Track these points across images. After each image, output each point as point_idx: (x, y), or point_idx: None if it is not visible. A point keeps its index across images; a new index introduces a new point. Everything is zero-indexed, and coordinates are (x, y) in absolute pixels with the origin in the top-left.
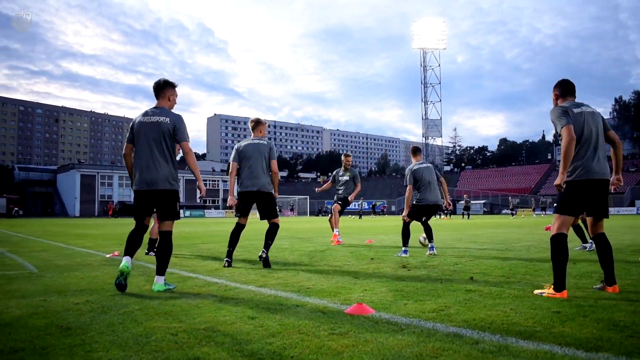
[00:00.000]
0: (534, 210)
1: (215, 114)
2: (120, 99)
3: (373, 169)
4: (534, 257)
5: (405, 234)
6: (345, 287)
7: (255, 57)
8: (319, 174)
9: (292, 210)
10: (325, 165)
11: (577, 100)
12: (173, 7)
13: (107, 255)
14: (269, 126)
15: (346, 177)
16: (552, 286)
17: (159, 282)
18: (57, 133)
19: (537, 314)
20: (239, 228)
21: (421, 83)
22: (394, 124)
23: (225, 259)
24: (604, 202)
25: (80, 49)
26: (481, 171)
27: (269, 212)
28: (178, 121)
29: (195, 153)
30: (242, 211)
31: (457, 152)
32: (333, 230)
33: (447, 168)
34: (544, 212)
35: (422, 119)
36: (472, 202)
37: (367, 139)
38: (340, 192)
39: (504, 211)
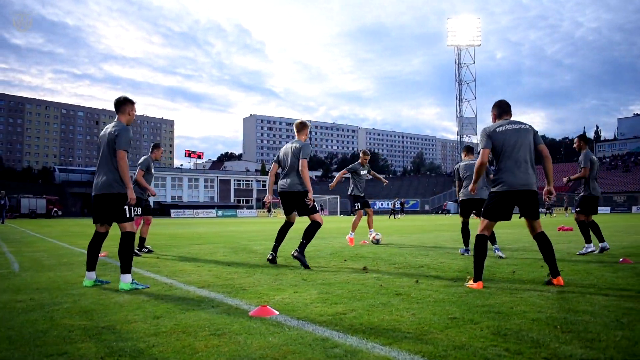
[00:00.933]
0: (566, 209)
1: (251, 114)
2: (161, 100)
3: (408, 167)
4: (510, 258)
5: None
6: (281, 289)
7: (291, 57)
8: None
9: (322, 209)
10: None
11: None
12: (211, 9)
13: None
14: None
15: (366, 172)
16: (473, 278)
17: (124, 281)
18: (98, 135)
19: (432, 319)
20: (286, 225)
21: (455, 80)
22: (432, 123)
23: (270, 252)
24: (530, 207)
25: (122, 52)
26: None
27: (303, 210)
28: (121, 131)
29: (231, 153)
30: (285, 210)
31: None
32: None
33: None
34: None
35: (457, 117)
36: None
37: (402, 137)
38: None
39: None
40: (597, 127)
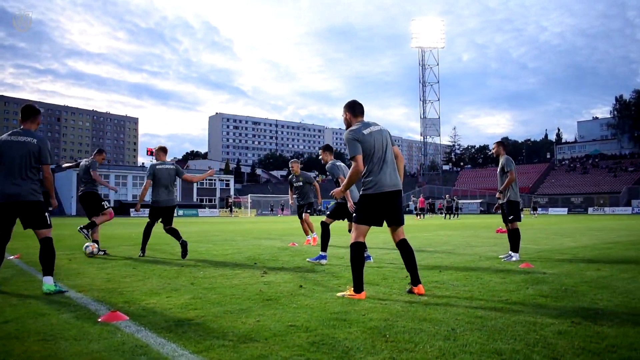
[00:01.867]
0: (531, 210)
1: (216, 113)
2: (126, 97)
3: None
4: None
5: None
6: (157, 293)
7: (260, 55)
8: (317, 173)
9: (282, 209)
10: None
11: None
12: (179, 5)
13: (10, 257)
14: (270, 125)
15: (300, 183)
16: (352, 288)
17: (47, 282)
18: (60, 132)
19: (271, 326)
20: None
21: (419, 82)
22: (399, 123)
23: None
24: (397, 212)
25: (86, 48)
26: (480, 170)
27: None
28: (43, 144)
29: (197, 152)
30: None
31: (457, 151)
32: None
33: (446, 167)
34: (535, 213)
35: (420, 117)
36: (466, 202)
37: None
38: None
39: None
40: (559, 130)
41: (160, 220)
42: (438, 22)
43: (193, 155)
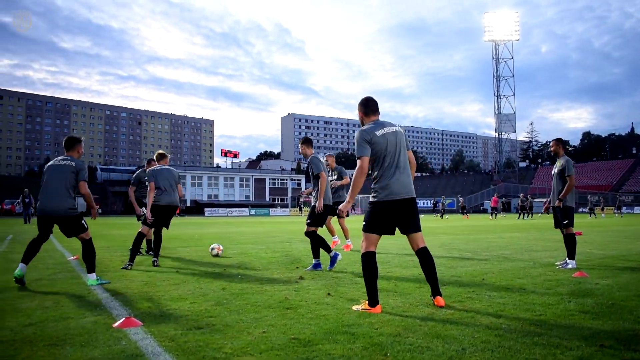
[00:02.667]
0: (615, 209)
1: (288, 113)
2: (203, 100)
3: (446, 165)
4: (494, 270)
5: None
6: (184, 299)
7: (331, 55)
8: None
9: (353, 208)
10: None
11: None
12: (251, 9)
13: (70, 258)
14: (341, 124)
15: (334, 177)
16: (367, 302)
17: (91, 278)
18: (140, 135)
19: (276, 338)
20: None
21: (493, 77)
22: (475, 119)
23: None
24: (412, 219)
25: (165, 54)
26: None
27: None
28: (81, 165)
29: (270, 152)
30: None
31: (535, 147)
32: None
33: (523, 164)
34: (620, 212)
35: (495, 113)
36: (542, 200)
37: (442, 135)
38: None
39: (581, 210)
40: None
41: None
42: (512, 14)
43: (266, 155)
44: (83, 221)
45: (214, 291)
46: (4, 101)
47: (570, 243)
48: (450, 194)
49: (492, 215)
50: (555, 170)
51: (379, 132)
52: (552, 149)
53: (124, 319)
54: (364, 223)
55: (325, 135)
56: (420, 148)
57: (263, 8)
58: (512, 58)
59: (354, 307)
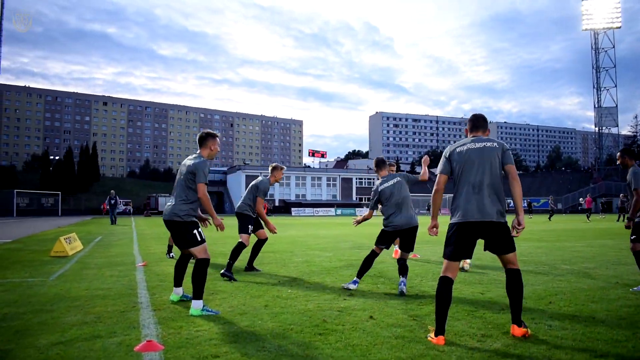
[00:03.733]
0: None
1: (376, 112)
2: (293, 100)
3: (541, 163)
4: (567, 290)
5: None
6: (221, 317)
7: (421, 51)
8: None
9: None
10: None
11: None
12: (340, 8)
13: (139, 264)
14: (430, 122)
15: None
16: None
17: (194, 307)
18: (232, 136)
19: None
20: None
21: (592, 68)
22: (573, 113)
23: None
24: (498, 241)
25: (256, 57)
26: None
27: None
28: (198, 165)
29: (358, 151)
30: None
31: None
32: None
33: None
34: None
35: (595, 107)
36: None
37: (538, 130)
38: None
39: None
40: None
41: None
42: (612, 1)
43: (354, 154)
44: (196, 231)
45: (255, 309)
46: (109, 107)
47: None
48: (545, 192)
49: (588, 217)
50: (627, 182)
51: (459, 148)
52: (619, 161)
53: (145, 341)
54: (445, 247)
55: (414, 133)
56: (514, 145)
57: (351, 7)
58: (614, 47)
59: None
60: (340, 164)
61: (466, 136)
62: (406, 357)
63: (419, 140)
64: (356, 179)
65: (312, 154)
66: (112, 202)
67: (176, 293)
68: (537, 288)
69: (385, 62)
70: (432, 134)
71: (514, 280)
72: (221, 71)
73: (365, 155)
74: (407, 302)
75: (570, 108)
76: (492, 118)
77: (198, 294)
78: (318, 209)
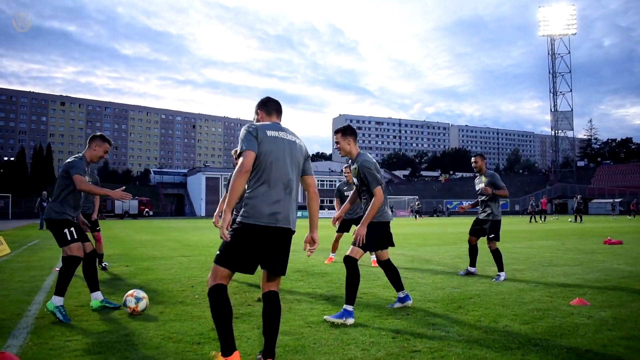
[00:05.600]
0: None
1: (340, 114)
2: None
3: (501, 165)
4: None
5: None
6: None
7: (385, 54)
8: (440, 172)
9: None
10: (449, 162)
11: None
12: (305, 10)
13: (55, 269)
14: (393, 124)
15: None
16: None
17: (53, 302)
18: (195, 138)
19: None
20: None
21: (549, 73)
22: (533, 117)
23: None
24: (277, 251)
25: (221, 57)
26: (621, 166)
27: None
28: (68, 163)
29: (322, 153)
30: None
31: (595, 145)
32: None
33: (581, 163)
34: None
35: (551, 110)
36: (600, 201)
37: (498, 134)
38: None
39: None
40: None
41: None
42: (568, 7)
43: (317, 156)
44: (66, 230)
45: (142, 318)
46: (66, 107)
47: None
48: None
49: (541, 217)
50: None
51: (270, 133)
52: (476, 165)
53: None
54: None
55: (377, 135)
56: (475, 147)
57: (317, 9)
58: (569, 53)
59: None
60: None
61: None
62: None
63: (382, 142)
64: (317, 181)
65: None
66: (44, 204)
67: (95, 298)
68: (456, 291)
69: (350, 65)
70: (394, 137)
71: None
72: (184, 72)
73: (328, 158)
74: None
75: (530, 112)
76: (454, 121)
77: (60, 290)
78: None
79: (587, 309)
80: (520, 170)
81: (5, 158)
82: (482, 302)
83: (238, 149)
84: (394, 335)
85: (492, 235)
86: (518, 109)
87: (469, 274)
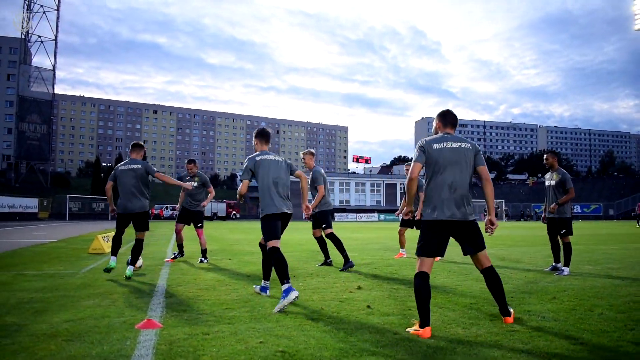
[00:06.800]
0: None
1: (422, 118)
2: (339, 107)
3: (594, 168)
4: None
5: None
6: (225, 304)
7: (469, 55)
8: (527, 175)
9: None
10: (536, 165)
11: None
12: (386, 13)
13: (167, 260)
14: (478, 127)
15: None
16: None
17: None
18: (278, 143)
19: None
20: None
21: None
22: (629, 116)
23: None
24: (471, 239)
25: (302, 64)
26: None
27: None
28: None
29: (405, 157)
30: None
31: None
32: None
33: None
34: None
35: None
36: None
37: (590, 134)
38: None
39: None
40: None
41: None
42: None
43: (399, 160)
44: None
45: (259, 298)
46: (158, 115)
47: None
48: (597, 198)
49: (638, 222)
50: (552, 183)
51: (435, 146)
52: (547, 162)
53: (145, 320)
54: (418, 246)
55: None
56: (565, 149)
57: (397, 12)
58: None
59: (409, 329)
60: (385, 169)
61: (436, 130)
62: (386, 339)
63: None
64: (400, 184)
65: (357, 159)
66: None
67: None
68: (547, 285)
69: (432, 67)
70: (479, 139)
71: (491, 277)
72: (267, 79)
73: (410, 161)
74: (411, 295)
75: (625, 111)
76: (543, 122)
77: (133, 260)
78: (361, 214)
79: None
80: (615, 173)
81: (104, 164)
82: (576, 294)
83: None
84: (491, 318)
85: (564, 231)
86: (612, 108)
87: (554, 269)
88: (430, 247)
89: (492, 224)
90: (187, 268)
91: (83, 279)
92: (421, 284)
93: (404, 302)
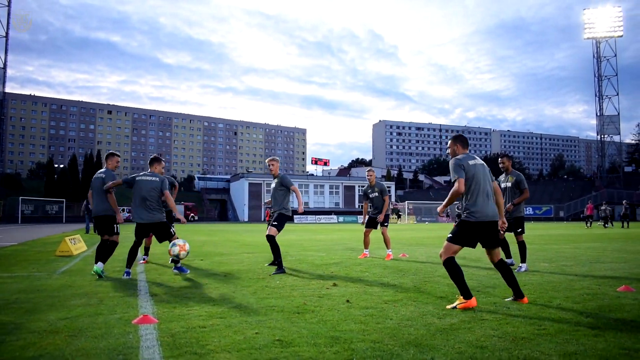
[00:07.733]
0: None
1: (380, 120)
2: (297, 108)
3: (545, 171)
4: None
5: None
6: (211, 299)
7: (426, 59)
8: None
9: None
10: (491, 168)
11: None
12: (345, 16)
13: (140, 262)
14: (434, 130)
15: (376, 194)
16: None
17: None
18: (236, 145)
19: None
20: None
21: (594, 76)
22: (578, 122)
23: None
24: (493, 237)
25: (261, 65)
26: None
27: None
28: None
29: (362, 159)
30: None
31: None
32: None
33: (629, 169)
34: None
35: (596, 115)
36: None
37: (541, 139)
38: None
39: None
40: None
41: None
42: (614, 9)
43: (357, 162)
44: (115, 225)
45: (242, 294)
46: (113, 115)
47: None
48: (548, 200)
49: (586, 223)
50: (508, 184)
51: (471, 162)
52: (503, 165)
53: (141, 316)
54: (452, 235)
55: (418, 141)
56: (517, 153)
57: (356, 15)
58: (615, 55)
59: (455, 305)
60: (343, 172)
61: (455, 151)
62: (370, 328)
63: (422, 148)
64: (359, 186)
65: (315, 162)
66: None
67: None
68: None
69: (390, 70)
70: (435, 142)
71: (503, 268)
72: (225, 79)
73: (368, 164)
74: (384, 290)
75: (575, 116)
76: (496, 126)
77: (103, 259)
78: (320, 216)
79: (633, 294)
80: (565, 176)
81: (56, 165)
82: (535, 288)
83: None
84: (462, 309)
85: (520, 230)
86: (562, 113)
87: (510, 265)
88: (464, 240)
89: (504, 223)
90: (162, 269)
91: (62, 280)
92: (455, 265)
93: (380, 297)
